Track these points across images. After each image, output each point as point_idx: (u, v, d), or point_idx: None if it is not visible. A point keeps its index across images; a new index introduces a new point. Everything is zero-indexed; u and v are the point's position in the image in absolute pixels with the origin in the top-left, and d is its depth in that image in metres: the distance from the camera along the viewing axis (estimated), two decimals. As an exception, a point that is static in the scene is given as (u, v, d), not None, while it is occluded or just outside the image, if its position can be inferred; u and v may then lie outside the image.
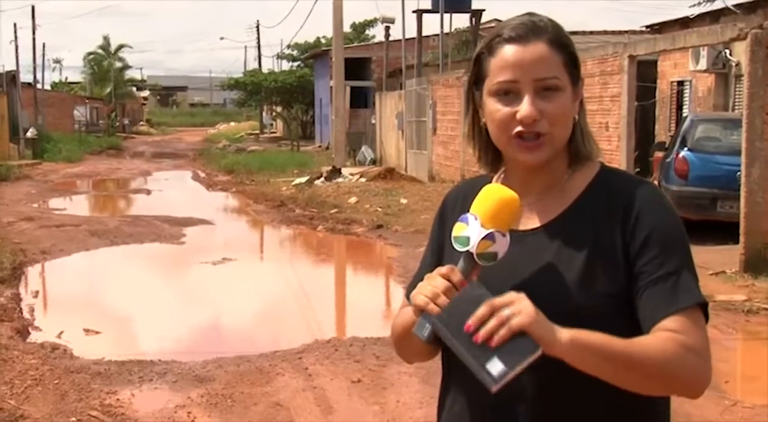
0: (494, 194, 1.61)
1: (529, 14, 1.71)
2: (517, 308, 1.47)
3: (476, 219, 1.60)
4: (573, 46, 1.71)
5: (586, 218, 1.68)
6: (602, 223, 1.66)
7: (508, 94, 1.65)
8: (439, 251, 1.84)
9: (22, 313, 8.64)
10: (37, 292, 10.08)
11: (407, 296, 1.81)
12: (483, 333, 1.46)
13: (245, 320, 9.12)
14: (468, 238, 1.59)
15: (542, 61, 1.64)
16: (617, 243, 1.64)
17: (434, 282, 1.57)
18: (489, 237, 1.58)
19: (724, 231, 10.91)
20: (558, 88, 1.65)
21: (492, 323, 1.46)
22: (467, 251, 1.59)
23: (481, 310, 1.47)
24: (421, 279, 1.62)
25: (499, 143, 1.71)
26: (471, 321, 1.47)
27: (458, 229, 1.61)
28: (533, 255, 1.68)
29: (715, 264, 9.71)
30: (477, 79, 1.73)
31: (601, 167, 1.75)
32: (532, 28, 1.66)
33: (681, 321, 1.58)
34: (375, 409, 5.72)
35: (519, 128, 1.64)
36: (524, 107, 1.63)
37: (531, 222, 1.72)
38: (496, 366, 1.45)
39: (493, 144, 1.73)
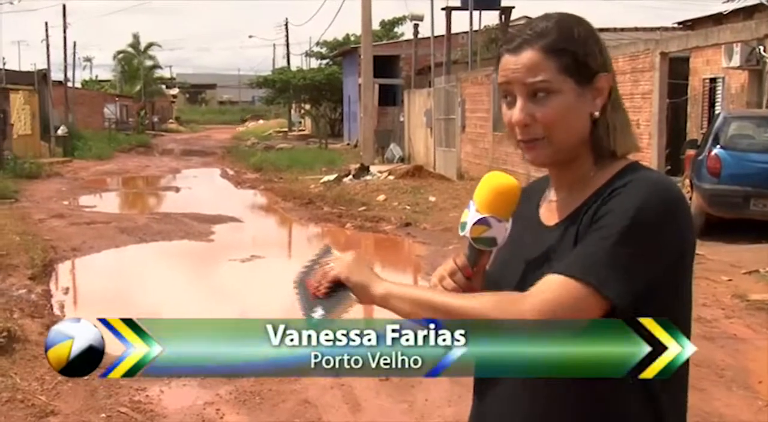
0: (491, 181, 1.69)
1: (543, 17, 1.74)
2: (338, 262, 1.68)
3: (473, 205, 1.67)
4: (579, 47, 1.69)
5: (587, 215, 1.67)
6: (594, 216, 1.65)
7: (509, 98, 1.71)
8: None
9: (52, 310, 8.70)
10: (67, 289, 10.15)
11: None
12: (311, 284, 1.68)
13: (273, 317, 9.11)
14: (465, 224, 1.68)
15: (531, 69, 1.68)
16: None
17: (445, 266, 1.73)
18: (482, 222, 1.65)
19: (758, 230, 10.80)
20: (551, 91, 1.67)
21: (317, 276, 1.68)
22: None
23: (320, 269, 1.69)
24: None
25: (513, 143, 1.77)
26: (311, 279, 1.69)
27: (462, 216, 1.70)
28: (544, 250, 1.71)
29: (748, 263, 9.62)
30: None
31: (625, 164, 1.73)
32: (527, 37, 1.70)
33: (547, 281, 1.56)
34: (403, 407, 5.70)
35: (518, 135, 1.71)
36: (515, 113, 1.69)
37: (554, 217, 1.76)
38: (317, 313, 1.65)
39: None
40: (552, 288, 1.54)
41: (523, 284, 1.66)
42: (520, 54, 1.69)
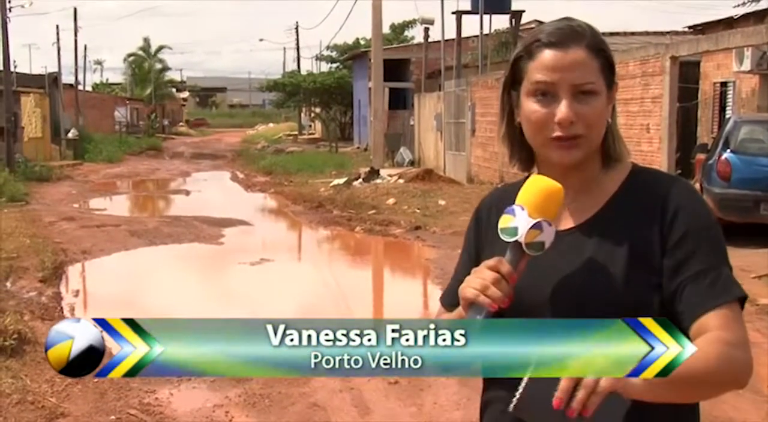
0: (540, 184, 1.65)
1: (567, 19, 1.75)
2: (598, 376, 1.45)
3: (523, 209, 1.63)
4: (609, 51, 1.75)
5: (622, 216, 1.72)
6: (639, 221, 1.70)
7: (546, 95, 1.70)
8: (477, 255, 1.87)
9: (62, 312, 8.73)
10: (77, 291, 10.19)
11: (442, 302, 1.83)
12: (576, 406, 1.44)
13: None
14: (516, 229, 1.62)
15: (581, 67, 1.68)
16: (655, 240, 1.68)
17: (483, 275, 1.60)
18: (537, 226, 1.61)
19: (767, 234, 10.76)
20: (594, 92, 1.69)
21: (581, 394, 1.43)
22: (515, 241, 1.62)
23: (564, 383, 1.44)
24: (459, 283, 1.64)
25: (535, 143, 1.75)
26: (558, 397, 1.44)
27: (505, 221, 1.64)
28: (572, 254, 1.71)
29: (758, 268, 9.59)
30: (514, 81, 1.77)
31: (633, 167, 1.79)
32: (571, 34, 1.70)
33: (723, 317, 1.61)
34: (412, 410, 5.70)
35: (557, 132, 1.69)
36: (562, 110, 1.67)
37: (567, 222, 1.76)
38: None
39: (528, 143, 1.77)
40: (737, 322, 1.62)
41: (564, 290, 1.68)
42: (569, 51, 1.68)
